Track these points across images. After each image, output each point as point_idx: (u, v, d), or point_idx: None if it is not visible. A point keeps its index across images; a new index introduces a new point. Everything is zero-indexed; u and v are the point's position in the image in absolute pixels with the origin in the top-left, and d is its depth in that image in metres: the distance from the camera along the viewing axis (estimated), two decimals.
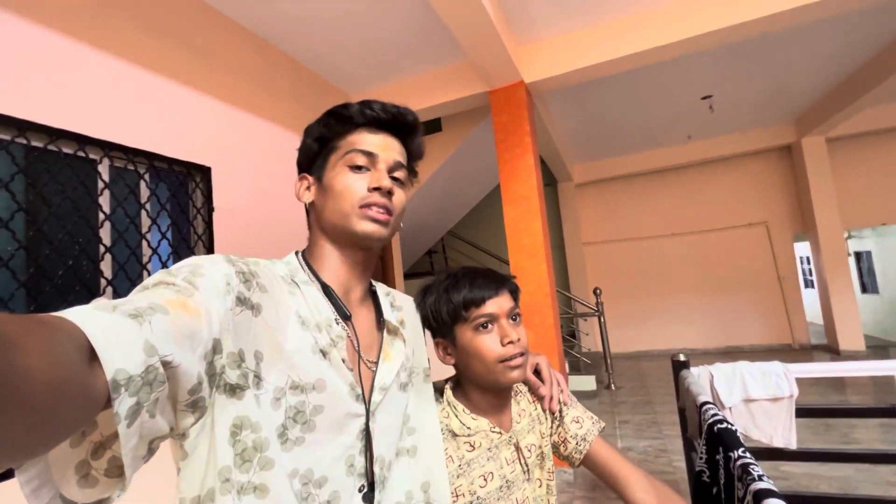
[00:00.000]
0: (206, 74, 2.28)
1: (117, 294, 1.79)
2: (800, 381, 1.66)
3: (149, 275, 1.90)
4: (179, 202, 2.14)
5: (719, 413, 1.18)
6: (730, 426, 1.09)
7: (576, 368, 5.13)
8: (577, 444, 0.83)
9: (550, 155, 5.55)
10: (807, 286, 9.47)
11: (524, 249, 3.01)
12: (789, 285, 6.21)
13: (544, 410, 0.86)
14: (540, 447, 0.82)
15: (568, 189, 7.08)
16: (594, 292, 5.27)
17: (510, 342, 0.72)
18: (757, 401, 1.63)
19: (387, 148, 0.66)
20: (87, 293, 1.71)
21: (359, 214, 0.63)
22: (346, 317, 0.64)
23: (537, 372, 0.87)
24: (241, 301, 0.51)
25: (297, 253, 0.68)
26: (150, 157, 1.96)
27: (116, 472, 0.40)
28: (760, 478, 0.82)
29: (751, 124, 5.82)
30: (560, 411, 0.85)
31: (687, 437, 1.60)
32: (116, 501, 0.42)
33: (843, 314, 5.51)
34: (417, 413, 0.70)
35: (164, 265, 1.99)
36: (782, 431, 1.60)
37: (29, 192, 1.58)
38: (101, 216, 1.79)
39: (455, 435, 0.75)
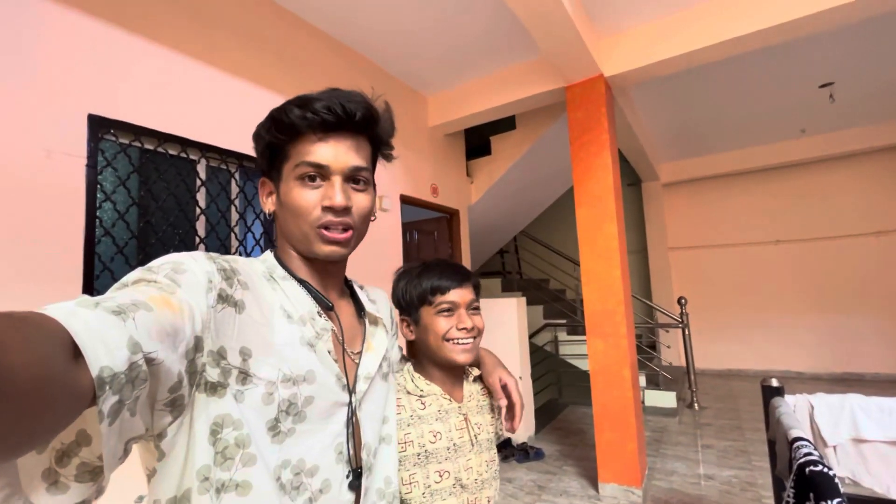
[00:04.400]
0: (286, 77, 2.45)
1: None
2: None
3: None
4: None
5: (814, 452, 1.01)
6: (826, 470, 0.93)
7: (654, 383, 4.75)
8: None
9: (634, 153, 5.19)
10: None
11: (597, 253, 2.85)
12: None
13: (495, 408, 0.93)
14: (491, 431, 0.90)
15: (654, 189, 6.58)
16: (679, 302, 4.84)
17: (463, 328, 0.82)
18: (870, 442, 1.37)
19: (339, 155, 0.60)
20: None
21: (317, 236, 0.60)
22: (328, 307, 0.64)
23: (505, 387, 0.87)
24: (223, 298, 0.50)
25: (271, 251, 0.68)
26: (240, 158, 2.15)
27: (89, 476, 0.39)
28: None
29: (882, 115, 4.95)
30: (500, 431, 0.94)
31: (776, 474, 1.40)
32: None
33: None
34: (388, 403, 0.73)
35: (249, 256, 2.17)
36: None
37: (141, 188, 1.82)
38: (198, 211, 2.00)
39: (409, 392, 0.84)
